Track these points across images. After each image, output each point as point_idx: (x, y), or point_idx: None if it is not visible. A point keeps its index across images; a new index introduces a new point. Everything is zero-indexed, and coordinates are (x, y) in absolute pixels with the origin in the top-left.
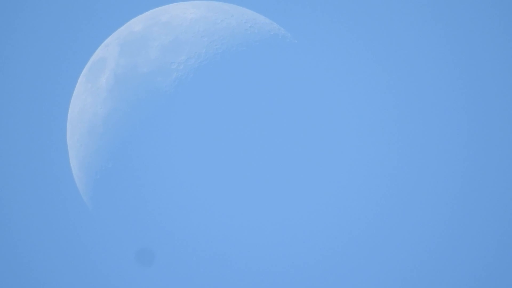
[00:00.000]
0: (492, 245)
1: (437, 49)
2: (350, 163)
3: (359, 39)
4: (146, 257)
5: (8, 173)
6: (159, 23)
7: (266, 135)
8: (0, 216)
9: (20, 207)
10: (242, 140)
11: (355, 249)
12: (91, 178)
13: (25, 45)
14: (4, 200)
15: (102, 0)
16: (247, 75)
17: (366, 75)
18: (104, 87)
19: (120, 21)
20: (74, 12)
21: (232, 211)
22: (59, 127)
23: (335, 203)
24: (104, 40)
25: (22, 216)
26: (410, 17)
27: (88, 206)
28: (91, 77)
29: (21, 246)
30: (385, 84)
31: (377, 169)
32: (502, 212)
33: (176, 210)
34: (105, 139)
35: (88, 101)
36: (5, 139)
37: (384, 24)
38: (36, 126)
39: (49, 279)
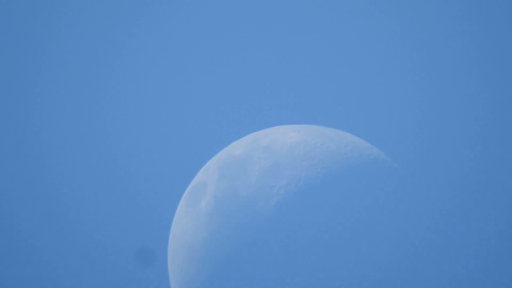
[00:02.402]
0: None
1: None
2: None
3: (461, 162)
4: (146, 257)
5: None
6: (259, 147)
7: (367, 260)
8: None
9: None
10: (343, 265)
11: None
12: None
13: (127, 172)
14: None
15: (202, 124)
16: (348, 199)
17: (472, 199)
18: (204, 211)
19: (220, 145)
20: (175, 136)
21: None
22: (160, 251)
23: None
24: (205, 163)
25: None
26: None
27: None
28: (191, 201)
29: None
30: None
31: None
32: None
33: None
34: (206, 263)
35: (188, 225)
36: (110, 269)
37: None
38: (137, 252)
39: None
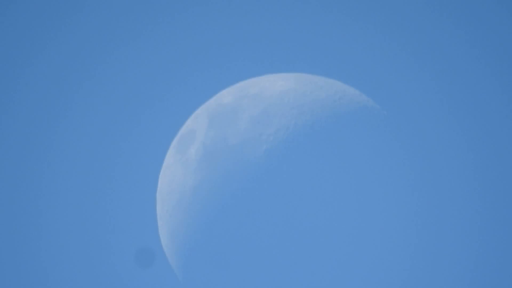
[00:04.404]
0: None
1: None
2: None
3: (449, 109)
4: (146, 257)
5: (99, 244)
6: (249, 95)
7: (355, 208)
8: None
9: (110, 276)
10: (331, 213)
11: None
12: (180, 248)
13: (116, 120)
14: (94, 269)
15: (191, 72)
16: (337, 147)
17: (459, 146)
18: (193, 158)
19: (209, 93)
20: (164, 84)
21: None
22: (148, 198)
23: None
24: (194, 111)
25: (112, 281)
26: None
27: (178, 276)
28: (180, 148)
29: None
30: (480, 157)
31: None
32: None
33: (267, 283)
34: (194, 210)
35: (177, 172)
36: (97, 208)
37: (473, 94)
38: (127, 197)
39: None
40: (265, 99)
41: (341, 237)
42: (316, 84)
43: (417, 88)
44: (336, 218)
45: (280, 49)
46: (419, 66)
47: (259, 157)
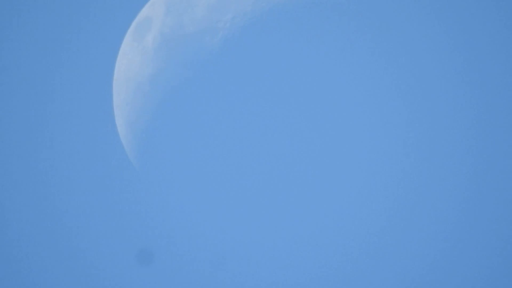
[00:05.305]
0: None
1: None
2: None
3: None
4: (146, 257)
5: (55, 130)
6: None
7: (314, 97)
8: (43, 176)
9: (66, 163)
10: (290, 104)
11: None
12: (137, 136)
13: (70, 3)
14: (50, 158)
15: None
16: (294, 33)
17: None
18: (150, 46)
19: None
20: None
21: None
22: (105, 86)
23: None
24: None
25: (68, 174)
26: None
27: (134, 164)
28: (137, 36)
29: (64, 208)
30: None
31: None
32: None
33: (222, 175)
34: (151, 98)
35: (134, 60)
36: (51, 96)
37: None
38: (82, 85)
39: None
40: None
41: (305, 127)
42: None
43: None
44: (290, 106)
45: None
46: None
47: (216, 44)
